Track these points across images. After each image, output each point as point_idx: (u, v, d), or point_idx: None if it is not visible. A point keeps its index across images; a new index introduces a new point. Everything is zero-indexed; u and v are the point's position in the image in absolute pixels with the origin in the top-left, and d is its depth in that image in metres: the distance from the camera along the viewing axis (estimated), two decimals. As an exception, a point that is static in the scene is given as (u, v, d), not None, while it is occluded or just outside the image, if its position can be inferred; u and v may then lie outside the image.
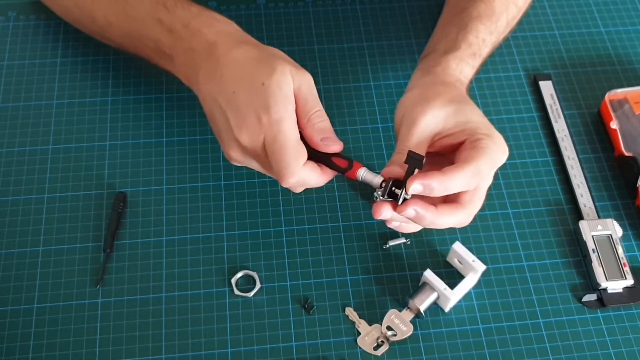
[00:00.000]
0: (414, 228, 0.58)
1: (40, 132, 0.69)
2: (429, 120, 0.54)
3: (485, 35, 0.62)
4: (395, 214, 0.53)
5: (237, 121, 0.54)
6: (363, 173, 0.55)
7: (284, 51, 0.76)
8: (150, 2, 0.61)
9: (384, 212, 0.53)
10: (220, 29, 0.59)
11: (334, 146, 0.55)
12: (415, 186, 0.51)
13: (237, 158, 0.56)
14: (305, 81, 0.55)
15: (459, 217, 0.54)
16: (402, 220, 0.55)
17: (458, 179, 0.52)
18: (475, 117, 0.55)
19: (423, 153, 0.53)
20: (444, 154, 0.57)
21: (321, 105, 0.56)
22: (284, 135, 0.53)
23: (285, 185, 0.55)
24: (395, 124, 0.57)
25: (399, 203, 0.52)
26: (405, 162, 0.51)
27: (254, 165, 0.57)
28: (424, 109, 0.54)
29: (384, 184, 0.53)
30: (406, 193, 0.52)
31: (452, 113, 0.55)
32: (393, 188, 0.53)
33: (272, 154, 0.53)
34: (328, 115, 0.64)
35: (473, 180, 0.52)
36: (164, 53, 0.61)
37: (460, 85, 0.59)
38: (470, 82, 0.61)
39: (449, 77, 0.58)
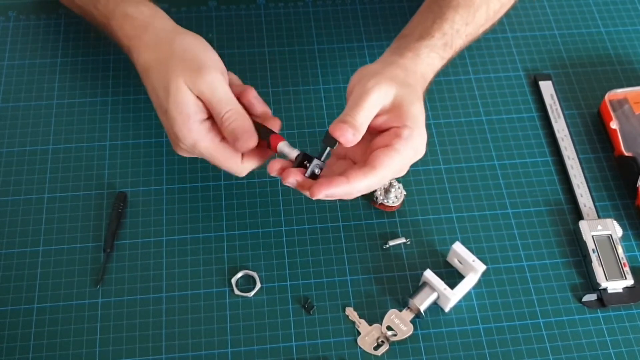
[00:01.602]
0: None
1: (41, 132, 0.69)
2: (382, 94, 0.54)
3: (460, 25, 0.62)
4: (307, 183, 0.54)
5: (171, 83, 0.55)
6: (282, 146, 0.55)
7: (283, 51, 0.76)
8: None
9: (291, 178, 0.54)
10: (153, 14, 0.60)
11: (246, 144, 0.54)
12: (320, 195, 0.52)
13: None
14: (206, 85, 0.54)
15: (370, 182, 0.53)
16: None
17: (361, 186, 0.53)
18: (416, 112, 0.55)
19: (365, 126, 0.53)
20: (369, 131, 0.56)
21: (233, 104, 0.55)
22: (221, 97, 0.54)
23: (179, 152, 0.57)
24: (348, 88, 0.57)
25: (306, 176, 0.54)
26: (323, 141, 0.53)
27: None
28: (379, 81, 0.54)
29: (298, 158, 0.54)
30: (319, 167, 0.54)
31: (399, 96, 0.55)
32: (305, 162, 0.54)
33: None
34: (328, 115, 0.64)
35: (371, 186, 0.53)
36: (105, 17, 0.62)
37: (424, 80, 0.59)
38: (435, 75, 0.61)
39: (415, 68, 0.58)
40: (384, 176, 0.53)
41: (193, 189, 0.66)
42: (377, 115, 0.55)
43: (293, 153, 0.55)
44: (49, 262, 0.62)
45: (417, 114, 0.55)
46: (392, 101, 0.55)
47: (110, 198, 0.65)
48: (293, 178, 0.53)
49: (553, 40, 0.77)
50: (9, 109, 0.70)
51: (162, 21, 0.60)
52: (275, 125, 0.57)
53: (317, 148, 0.68)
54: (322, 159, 0.54)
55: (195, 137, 0.55)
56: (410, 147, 0.54)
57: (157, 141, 0.69)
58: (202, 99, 0.54)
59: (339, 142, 0.53)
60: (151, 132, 0.69)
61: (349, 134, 0.52)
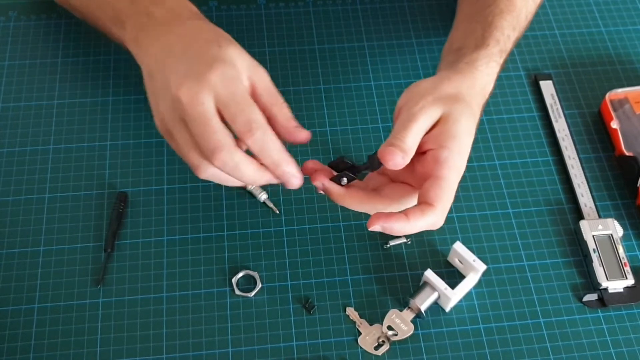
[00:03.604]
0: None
1: (41, 132, 0.69)
2: (432, 116, 0.53)
3: (509, 31, 0.61)
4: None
5: (178, 78, 0.50)
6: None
7: (284, 51, 0.76)
8: None
9: (317, 181, 0.53)
10: (186, 6, 0.59)
11: (304, 133, 0.53)
12: (376, 228, 0.51)
13: (167, 120, 0.52)
14: (261, 75, 0.53)
15: (430, 219, 0.51)
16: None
17: (420, 226, 0.51)
18: (457, 131, 0.53)
19: (414, 150, 0.52)
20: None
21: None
22: (237, 93, 0.50)
23: (215, 163, 0.50)
24: (397, 107, 0.55)
25: (332, 179, 0.53)
26: (367, 164, 0.53)
27: (180, 136, 0.52)
28: (430, 102, 0.53)
29: (338, 163, 0.54)
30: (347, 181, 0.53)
31: (442, 116, 0.53)
32: (341, 167, 0.54)
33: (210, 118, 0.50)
34: (329, 115, 0.64)
35: (437, 222, 0.52)
36: (119, 19, 0.60)
37: (481, 97, 0.57)
38: (496, 80, 0.60)
39: (474, 81, 0.57)
40: (442, 209, 0.51)
41: (194, 189, 0.66)
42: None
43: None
44: (49, 262, 0.62)
45: (460, 132, 0.53)
46: (437, 120, 0.53)
47: (111, 198, 0.65)
48: (320, 181, 0.53)
49: (553, 39, 0.77)
50: (9, 109, 0.70)
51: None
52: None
53: (317, 148, 0.69)
54: (357, 175, 0.54)
55: (233, 73, 0.51)
56: (452, 168, 0.52)
57: (157, 141, 0.69)
58: (255, 85, 0.52)
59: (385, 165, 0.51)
60: (152, 132, 0.69)
61: (399, 158, 0.51)
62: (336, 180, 0.53)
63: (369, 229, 0.51)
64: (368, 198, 0.53)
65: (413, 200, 0.54)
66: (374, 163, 0.53)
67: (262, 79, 0.53)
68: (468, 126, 0.54)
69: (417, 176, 0.54)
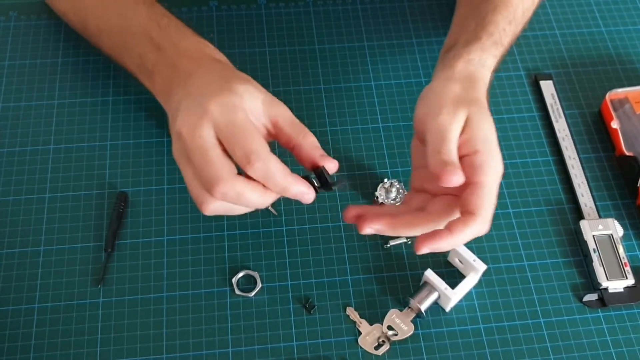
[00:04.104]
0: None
1: (42, 132, 0.69)
2: (458, 126, 0.52)
3: (505, 24, 0.61)
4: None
5: (182, 113, 0.51)
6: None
7: (284, 51, 0.76)
8: (145, 18, 0.61)
9: (368, 229, 0.52)
10: (210, 54, 0.58)
11: (331, 163, 0.53)
12: (424, 251, 0.50)
13: (175, 157, 0.53)
14: (280, 109, 0.53)
15: (473, 229, 0.50)
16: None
17: (466, 237, 0.50)
18: (484, 133, 0.52)
19: (457, 160, 0.51)
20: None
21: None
22: (236, 122, 0.49)
23: (215, 195, 0.49)
24: (417, 119, 0.54)
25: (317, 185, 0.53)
26: (336, 187, 0.53)
27: (184, 172, 0.52)
28: (450, 113, 0.52)
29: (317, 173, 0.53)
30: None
31: (466, 122, 0.52)
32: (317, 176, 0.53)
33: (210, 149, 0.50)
34: (329, 115, 0.64)
35: (481, 230, 0.51)
36: (147, 69, 0.60)
37: (483, 84, 0.56)
38: (494, 72, 0.59)
39: (471, 73, 0.56)
40: (485, 216, 0.50)
41: (194, 189, 0.66)
42: None
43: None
44: (50, 261, 0.62)
45: (486, 133, 0.52)
46: (463, 127, 0.52)
47: (111, 198, 0.65)
48: (371, 227, 0.51)
49: (554, 39, 0.77)
50: (10, 109, 0.71)
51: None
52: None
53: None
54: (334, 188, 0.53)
55: (239, 102, 0.50)
56: (490, 171, 0.51)
57: (158, 141, 0.69)
58: (276, 120, 0.52)
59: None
60: (152, 132, 0.69)
61: (460, 176, 0.49)
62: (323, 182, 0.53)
63: (418, 254, 0.51)
64: (418, 220, 0.52)
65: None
66: (337, 183, 0.52)
67: (281, 112, 0.53)
68: (490, 124, 0.53)
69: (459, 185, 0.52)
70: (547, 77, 0.74)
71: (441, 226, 0.52)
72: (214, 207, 0.51)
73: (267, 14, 0.78)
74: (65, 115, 0.70)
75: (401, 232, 0.52)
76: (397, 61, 0.75)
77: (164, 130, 0.69)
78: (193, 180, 0.51)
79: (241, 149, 0.49)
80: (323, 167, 0.53)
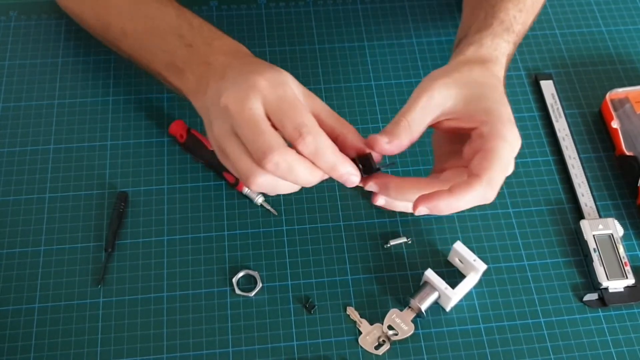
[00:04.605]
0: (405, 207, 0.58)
1: (42, 132, 0.69)
2: (436, 96, 0.52)
3: (515, 12, 0.60)
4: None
5: (227, 90, 0.50)
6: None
7: (284, 51, 0.76)
8: (174, 18, 0.61)
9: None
10: (245, 51, 0.58)
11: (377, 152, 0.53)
12: (421, 209, 0.50)
13: (218, 136, 0.51)
14: (319, 102, 0.53)
15: (478, 192, 0.49)
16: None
17: (468, 199, 0.49)
18: (488, 104, 0.52)
19: (421, 129, 0.52)
20: (460, 134, 0.54)
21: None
22: (285, 97, 0.49)
23: (267, 166, 0.48)
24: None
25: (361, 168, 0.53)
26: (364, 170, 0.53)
27: (231, 148, 0.51)
28: (433, 83, 0.52)
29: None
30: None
31: (463, 96, 0.52)
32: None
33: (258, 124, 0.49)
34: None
35: (486, 195, 0.50)
36: (176, 67, 0.59)
37: (494, 65, 0.56)
38: (510, 57, 0.59)
39: (482, 55, 0.56)
40: (490, 180, 0.49)
41: (194, 189, 0.66)
42: (447, 120, 0.53)
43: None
44: (50, 261, 0.62)
45: (491, 105, 0.52)
46: (457, 101, 0.52)
47: (111, 198, 0.65)
48: (423, 207, 0.50)
49: (554, 39, 0.77)
50: (10, 109, 0.71)
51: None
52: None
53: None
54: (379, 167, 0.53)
55: (287, 79, 0.50)
56: (497, 138, 0.50)
57: (158, 141, 0.69)
58: (318, 112, 0.52)
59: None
60: (152, 132, 0.69)
61: (383, 144, 0.51)
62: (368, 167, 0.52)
63: (415, 214, 0.50)
64: (426, 183, 0.52)
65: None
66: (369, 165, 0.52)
67: (321, 105, 0.53)
68: (497, 98, 0.52)
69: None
70: (548, 77, 0.74)
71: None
72: (262, 180, 0.50)
73: (267, 13, 0.78)
74: (65, 115, 0.70)
75: (407, 192, 0.52)
76: (397, 61, 0.75)
77: (164, 130, 0.69)
78: (242, 154, 0.50)
79: (292, 122, 0.49)
80: (370, 153, 0.52)
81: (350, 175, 0.51)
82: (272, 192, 0.52)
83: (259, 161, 0.49)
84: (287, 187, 0.52)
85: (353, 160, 0.52)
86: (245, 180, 0.51)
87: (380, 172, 0.54)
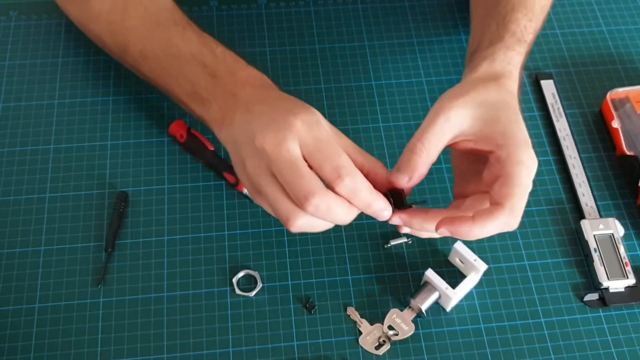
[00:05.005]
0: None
1: (42, 132, 0.69)
2: (452, 118, 0.51)
3: (526, 22, 0.60)
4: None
5: (261, 130, 0.50)
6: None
7: (284, 51, 0.76)
8: (196, 44, 0.60)
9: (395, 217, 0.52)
10: (270, 83, 0.58)
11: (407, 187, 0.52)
12: (442, 232, 0.50)
13: (254, 176, 0.51)
14: (348, 141, 0.53)
15: (501, 220, 0.49)
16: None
17: (490, 228, 0.49)
18: (504, 126, 0.52)
19: (438, 151, 0.51)
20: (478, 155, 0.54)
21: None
22: (321, 138, 0.49)
23: (309, 209, 0.48)
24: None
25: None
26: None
27: (269, 189, 0.51)
28: (449, 104, 0.52)
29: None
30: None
31: (480, 116, 0.52)
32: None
33: (297, 168, 0.49)
34: (329, 115, 0.64)
35: (510, 223, 0.50)
36: (199, 96, 0.58)
37: (508, 79, 0.56)
38: (522, 68, 0.59)
39: (496, 71, 0.56)
40: (513, 208, 0.49)
41: (194, 189, 0.66)
42: (464, 141, 0.52)
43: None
44: (50, 261, 0.62)
45: (506, 126, 0.51)
46: (474, 121, 0.52)
47: (111, 198, 0.65)
48: (398, 218, 0.52)
49: (554, 39, 0.77)
50: (10, 109, 0.71)
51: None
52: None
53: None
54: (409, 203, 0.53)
55: (321, 119, 0.51)
56: (515, 163, 0.50)
57: (158, 141, 0.69)
58: (350, 150, 0.52)
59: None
60: (152, 132, 0.69)
61: (404, 183, 0.51)
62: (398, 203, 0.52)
63: (437, 233, 0.50)
64: (461, 220, 0.50)
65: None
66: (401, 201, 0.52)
67: (349, 143, 0.53)
68: (513, 119, 0.52)
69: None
70: (548, 77, 0.74)
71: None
72: (302, 222, 0.50)
73: (267, 13, 0.78)
74: (65, 115, 0.70)
75: (430, 226, 0.52)
76: (397, 61, 0.75)
77: (164, 130, 0.69)
78: (281, 196, 0.50)
79: (330, 164, 0.49)
80: (402, 190, 0.52)
81: (383, 210, 0.51)
82: (309, 231, 0.53)
83: (300, 204, 0.49)
84: (323, 226, 0.52)
85: (385, 194, 0.52)
86: (285, 221, 0.51)
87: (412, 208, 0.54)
